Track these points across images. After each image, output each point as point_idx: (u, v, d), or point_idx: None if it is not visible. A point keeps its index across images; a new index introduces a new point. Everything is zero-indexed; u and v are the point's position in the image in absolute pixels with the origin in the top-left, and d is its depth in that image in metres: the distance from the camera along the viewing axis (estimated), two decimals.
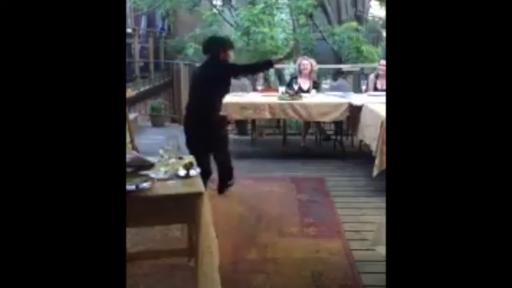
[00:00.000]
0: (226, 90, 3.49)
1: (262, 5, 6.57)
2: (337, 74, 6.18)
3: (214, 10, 7.75)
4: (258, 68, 3.89)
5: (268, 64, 3.69)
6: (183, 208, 2.03)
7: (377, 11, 7.98)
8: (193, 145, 3.26)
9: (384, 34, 7.78)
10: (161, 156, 2.26)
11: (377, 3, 7.88)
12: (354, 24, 6.57)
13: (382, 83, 4.84)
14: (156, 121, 6.65)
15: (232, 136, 5.80)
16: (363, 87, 5.01)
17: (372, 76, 5.06)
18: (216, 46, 3.43)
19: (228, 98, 4.78)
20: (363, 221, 3.14)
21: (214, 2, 8.07)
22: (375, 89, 4.87)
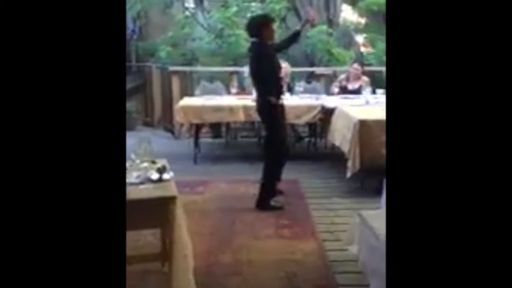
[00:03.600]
0: (266, 71, 3.32)
1: (235, 8, 6.57)
2: (310, 76, 6.25)
3: (187, 13, 7.69)
4: (290, 41, 3.75)
5: (297, 35, 3.68)
6: (156, 212, 2.00)
7: (349, 15, 8.12)
8: None
9: (356, 38, 7.92)
10: (133, 160, 2.22)
11: (349, 7, 8.01)
12: (324, 27, 6.65)
13: (353, 85, 5.00)
14: (127, 124, 6.54)
15: (206, 139, 5.77)
16: (336, 90, 5.10)
17: (342, 76, 5.18)
18: (255, 26, 3.38)
19: (203, 101, 4.78)
20: (336, 222, 3.18)
21: (187, 5, 8.01)
22: (346, 89, 4.98)
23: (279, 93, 3.42)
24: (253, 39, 3.41)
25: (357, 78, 5.03)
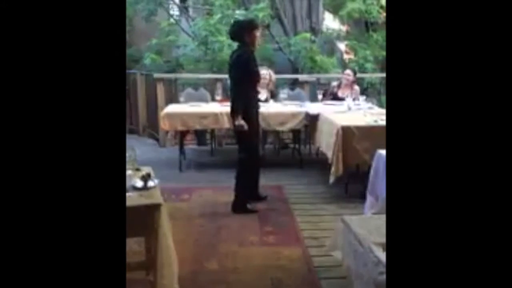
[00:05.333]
0: (243, 80, 3.28)
1: (219, 15, 6.60)
2: (294, 83, 6.31)
3: (171, 20, 7.70)
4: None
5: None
6: (141, 220, 2.00)
7: (331, 23, 8.25)
8: None
9: (338, 45, 8.03)
10: None
11: (331, 15, 8.13)
12: (308, 34, 6.75)
13: (343, 92, 5.02)
14: None
15: (191, 147, 5.76)
16: (319, 96, 5.16)
17: (334, 83, 5.23)
18: (238, 30, 3.36)
19: (187, 108, 4.78)
20: (321, 228, 3.21)
21: (171, 12, 8.02)
22: (335, 97, 5.04)
23: (255, 101, 3.41)
24: (236, 44, 3.42)
25: (349, 86, 5.02)
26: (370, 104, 4.75)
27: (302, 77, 6.26)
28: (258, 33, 3.36)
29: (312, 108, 4.66)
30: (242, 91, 3.32)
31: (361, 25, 7.54)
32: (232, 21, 6.74)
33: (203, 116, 4.57)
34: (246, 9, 7.08)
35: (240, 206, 3.50)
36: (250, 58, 3.30)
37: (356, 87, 5.09)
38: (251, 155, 3.45)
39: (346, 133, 3.67)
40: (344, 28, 7.96)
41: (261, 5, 6.66)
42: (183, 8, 8.16)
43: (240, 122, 3.30)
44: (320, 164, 4.60)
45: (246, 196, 3.54)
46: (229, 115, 3.52)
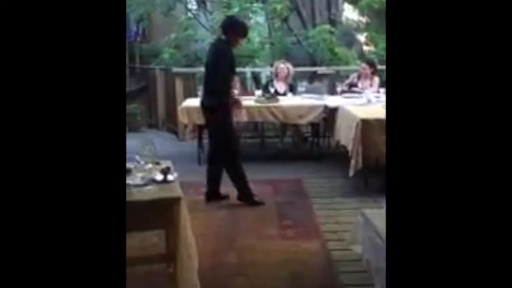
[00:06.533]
0: (223, 71, 3.36)
1: (237, 9, 6.58)
2: (313, 76, 6.25)
3: (189, 14, 7.71)
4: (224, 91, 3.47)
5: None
6: (160, 213, 2.02)
7: (350, 14, 8.13)
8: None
9: (357, 36, 7.91)
10: (137, 161, 2.24)
11: (351, 6, 8.01)
12: (327, 26, 6.66)
13: (363, 83, 5.02)
14: (132, 126, 6.56)
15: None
16: (338, 89, 5.11)
17: (355, 74, 5.23)
18: (231, 28, 3.47)
19: None
20: (340, 222, 3.19)
21: (189, 6, 8.03)
22: (356, 87, 5.01)
23: (228, 97, 3.45)
24: (221, 37, 3.51)
25: (368, 78, 5.02)
26: None
27: (321, 69, 6.19)
28: (242, 41, 3.58)
29: (331, 101, 4.62)
30: (227, 84, 3.40)
31: (381, 16, 7.39)
32: (250, 15, 6.74)
33: None
34: (264, 1, 7.03)
35: (246, 197, 3.52)
36: (233, 56, 3.46)
37: (376, 79, 5.04)
38: (232, 148, 3.54)
39: (366, 126, 3.62)
40: (363, 19, 7.83)
41: None
42: (201, 2, 8.16)
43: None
44: (339, 157, 4.55)
45: (248, 189, 3.54)
46: (207, 108, 3.53)
